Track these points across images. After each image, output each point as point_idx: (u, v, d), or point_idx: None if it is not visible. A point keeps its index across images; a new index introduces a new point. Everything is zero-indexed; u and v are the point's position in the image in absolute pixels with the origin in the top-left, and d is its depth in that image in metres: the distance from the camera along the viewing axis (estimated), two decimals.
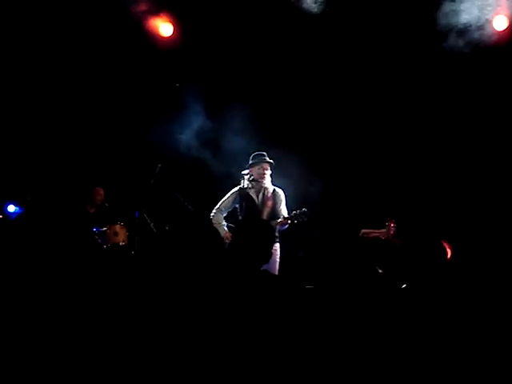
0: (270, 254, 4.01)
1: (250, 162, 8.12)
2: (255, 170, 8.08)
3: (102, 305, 3.99)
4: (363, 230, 8.35)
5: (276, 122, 10.06)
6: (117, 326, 3.81)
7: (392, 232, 8.27)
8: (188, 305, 3.71)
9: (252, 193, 8.10)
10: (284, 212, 8.01)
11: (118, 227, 9.34)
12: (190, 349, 3.57)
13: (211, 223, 8.07)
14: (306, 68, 9.93)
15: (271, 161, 8.11)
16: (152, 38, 9.83)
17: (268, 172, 8.10)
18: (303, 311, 3.83)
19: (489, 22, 8.96)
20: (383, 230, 8.26)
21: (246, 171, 8.13)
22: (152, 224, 9.03)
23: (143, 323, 3.73)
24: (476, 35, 8.95)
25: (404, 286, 4.36)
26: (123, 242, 9.30)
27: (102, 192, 9.75)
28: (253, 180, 8.07)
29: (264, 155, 8.11)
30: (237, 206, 8.17)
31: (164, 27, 9.91)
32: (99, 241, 9.27)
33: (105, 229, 9.33)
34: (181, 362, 3.55)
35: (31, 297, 3.99)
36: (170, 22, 9.88)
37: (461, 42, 8.90)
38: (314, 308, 3.94)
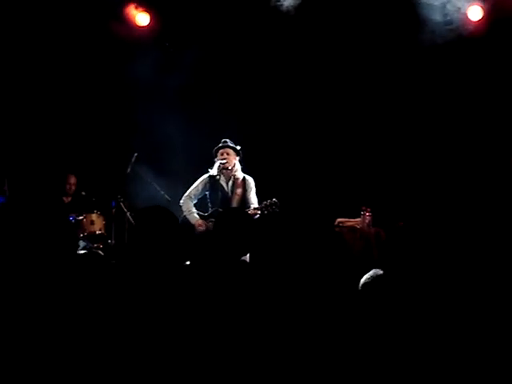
0: (250, 245, 4.01)
1: (214, 150, 8.12)
2: (218, 158, 8.07)
3: (79, 294, 3.98)
4: (338, 219, 8.40)
5: (255, 111, 10.08)
6: (95, 317, 3.81)
7: (367, 221, 8.33)
8: (168, 296, 3.72)
9: (221, 181, 8.07)
10: (254, 200, 7.99)
11: (94, 216, 9.32)
12: (171, 338, 3.58)
13: (181, 211, 8.04)
14: (286, 59, 9.97)
15: (235, 146, 8.08)
16: (128, 27, 9.82)
17: (231, 157, 8.07)
18: (281, 300, 3.85)
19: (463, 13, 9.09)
20: (358, 219, 8.32)
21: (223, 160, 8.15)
22: (128, 213, 9.03)
23: (122, 312, 3.73)
24: (452, 27, 9.06)
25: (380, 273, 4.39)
26: (100, 230, 9.29)
27: (73, 180, 9.72)
28: (219, 168, 8.06)
29: (226, 141, 8.10)
30: (206, 193, 8.15)
31: (141, 16, 9.90)
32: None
33: (81, 218, 9.30)
34: (162, 351, 3.56)
35: (11, 289, 3.97)
36: (147, 11, 9.88)
37: (438, 35, 9.01)
38: (290, 297, 3.96)
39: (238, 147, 8.08)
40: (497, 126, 9.51)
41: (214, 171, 8.02)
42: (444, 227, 8.90)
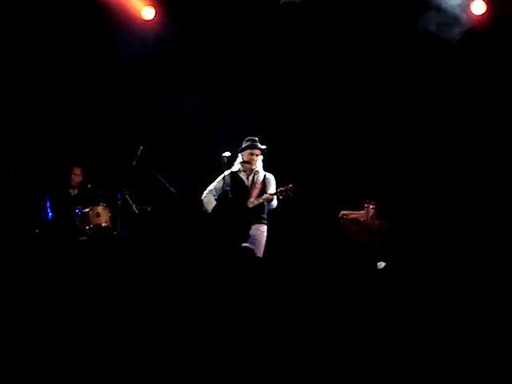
0: (246, 233, 4.05)
1: (242, 146, 8.26)
2: (246, 154, 8.22)
3: (82, 284, 4.03)
4: (342, 212, 8.46)
5: (261, 106, 10.13)
6: (99, 307, 3.86)
7: (371, 213, 8.38)
8: (168, 284, 3.76)
9: (242, 175, 8.26)
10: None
11: (100, 208, 9.34)
12: (169, 326, 3.62)
13: (202, 202, 8.20)
14: (287, 56, 10.01)
15: (262, 147, 8.23)
16: (133, 21, 9.85)
17: (258, 157, 8.24)
18: (280, 291, 3.89)
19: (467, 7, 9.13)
20: (362, 212, 8.37)
21: (227, 153, 8.23)
22: (134, 205, 9.07)
23: (125, 302, 3.78)
24: (456, 22, 9.09)
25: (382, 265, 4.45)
26: (106, 223, 9.31)
27: (77, 171, 9.75)
28: (243, 162, 8.20)
29: (256, 141, 8.25)
30: (227, 189, 8.28)
31: (146, 10, 9.95)
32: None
33: (87, 210, 9.33)
34: (159, 339, 3.60)
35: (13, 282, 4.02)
36: (152, 5, 9.93)
37: (442, 30, 9.05)
38: (292, 288, 4.00)
39: (264, 147, 8.23)
40: (498, 122, 9.55)
41: (235, 167, 8.20)
42: (445, 221, 8.97)
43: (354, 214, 8.34)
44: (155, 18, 10.02)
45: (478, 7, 9.26)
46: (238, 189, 8.20)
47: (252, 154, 8.21)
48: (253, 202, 7.96)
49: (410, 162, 9.78)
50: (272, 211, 8.14)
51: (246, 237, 4.14)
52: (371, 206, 8.20)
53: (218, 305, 3.68)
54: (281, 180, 8.47)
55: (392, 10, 9.47)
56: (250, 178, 8.25)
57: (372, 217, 8.34)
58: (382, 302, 4.00)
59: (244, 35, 9.93)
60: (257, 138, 8.25)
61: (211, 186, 8.35)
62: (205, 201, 8.22)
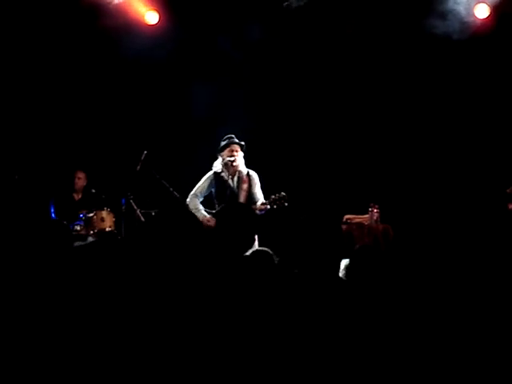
0: (253, 239, 4.06)
1: (220, 146, 8.16)
2: (225, 153, 8.09)
3: (86, 289, 4.02)
4: (346, 216, 8.44)
5: (263, 106, 10.14)
6: (102, 311, 3.85)
7: (375, 218, 8.36)
8: (174, 290, 3.75)
9: (226, 177, 8.10)
10: (260, 195, 8.02)
11: (104, 213, 9.36)
12: (175, 333, 3.60)
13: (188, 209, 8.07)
14: (295, 54, 10.03)
15: (241, 142, 8.13)
16: (137, 25, 9.86)
17: (239, 154, 8.10)
18: (287, 296, 3.87)
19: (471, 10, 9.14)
20: (366, 216, 8.36)
21: (230, 158, 8.17)
22: (138, 210, 9.07)
23: (129, 308, 3.76)
24: (459, 24, 9.09)
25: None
26: (110, 227, 9.34)
27: (80, 175, 9.79)
28: (226, 164, 8.11)
29: (232, 137, 8.14)
30: (212, 190, 8.19)
31: (149, 15, 9.96)
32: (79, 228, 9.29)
33: (91, 215, 9.36)
34: (164, 346, 3.59)
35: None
36: (156, 9, 9.94)
37: (445, 31, 9.05)
38: (297, 293, 3.98)
39: (243, 143, 8.14)
40: (501, 124, 9.56)
41: (218, 167, 8.07)
42: (450, 225, 8.96)
43: (358, 218, 8.32)
44: (159, 22, 10.03)
45: (482, 11, 9.26)
46: (223, 191, 8.07)
47: (232, 151, 8.04)
48: None
49: (414, 166, 9.79)
50: (273, 215, 8.05)
51: (253, 241, 4.14)
52: (375, 210, 8.18)
53: (220, 309, 3.66)
54: (285, 183, 8.48)
55: (397, 13, 9.48)
56: (235, 179, 8.10)
57: (376, 221, 8.32)
58: (387, 306, 3.99)
59: (249, 38, 9.95)
60: (233, 135, 8.15)
61: (194, 191, 8.19)
62: (190, 207, 8.00)
